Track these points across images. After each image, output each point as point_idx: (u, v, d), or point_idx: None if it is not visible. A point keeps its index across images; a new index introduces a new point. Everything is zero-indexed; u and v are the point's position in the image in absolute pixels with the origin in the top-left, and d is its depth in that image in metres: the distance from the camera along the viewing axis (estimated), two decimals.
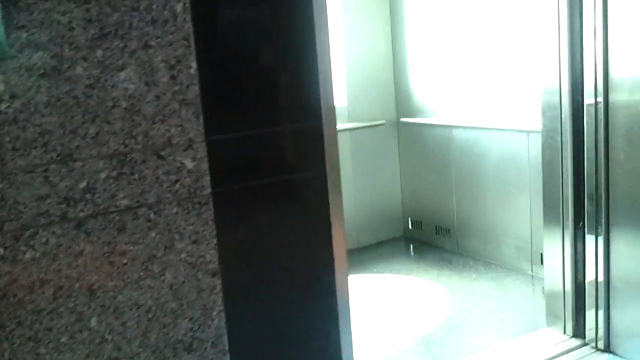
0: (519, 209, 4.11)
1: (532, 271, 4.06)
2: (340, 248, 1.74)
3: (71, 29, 1.30)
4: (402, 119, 4.92)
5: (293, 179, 1.64)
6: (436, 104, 4.62)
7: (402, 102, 4.93)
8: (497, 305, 3.70)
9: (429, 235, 4.90)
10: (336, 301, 1.76)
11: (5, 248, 1.30)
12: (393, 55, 4.92)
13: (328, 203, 1.69)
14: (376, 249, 4.88)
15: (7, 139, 1.27)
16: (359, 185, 4.92)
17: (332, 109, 1.67)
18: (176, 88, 1.42)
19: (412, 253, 4.87)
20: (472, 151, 4.40)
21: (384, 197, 5.05)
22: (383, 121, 4.91)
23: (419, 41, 4.69)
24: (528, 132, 3.91)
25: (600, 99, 2.80)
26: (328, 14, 1.63)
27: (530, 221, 4.02)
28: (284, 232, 1.65)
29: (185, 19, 1.41)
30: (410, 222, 5.07)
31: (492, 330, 3.40)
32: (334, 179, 1.69)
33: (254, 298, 1.64)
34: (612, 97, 2.77)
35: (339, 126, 4.78)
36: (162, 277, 1.46)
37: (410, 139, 4.94)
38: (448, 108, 4.53)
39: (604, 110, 2.80)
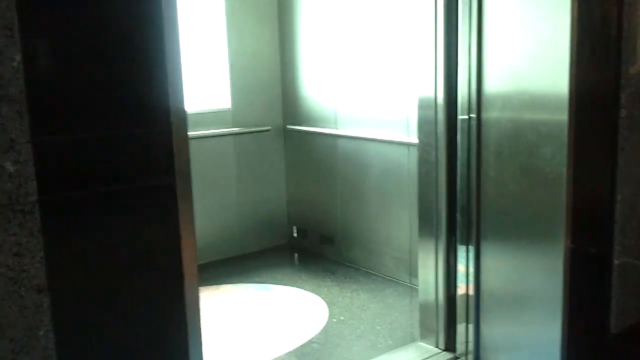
0: (399, 220, 4.15)
1: (410, 282, 4.10)
2: (190, 261, 1.63)
3: None
4: (289, 126, 4.87)
5: (136, 188, 1.52)
6: (323, 112, 4.61)
7: (289, 108, 4.88)
8: (375, 317, 3.70)
9: (313, 244, 4.87)
10: (185, 317, 1.65)
11: None
12: (280, 60, 4.87)
13: (177, 214, 1.58)
14: (260, 257, 4.79)
15: None
16: (243, 192, 4.81)
17: (182, 113, 1.57)
18: None
19: (296, 262, 4.82)
20: (356, 161, 4.41)
21: (269, 204, 4.97)
22: (269, 127, 4.84)
23: (308, 46, 4.66)
24: (409, 144, 3.95)
25: (473, 115, 2.85)
26: (178, 9, 1.52)
27: (409, 232, 4.07)
28: (125, 245, 1.53)
29: (8, 5, 1.27)
30: (295, 230, 5.02)
31: (367, 342, 3.39)
32: (184, 189, 1.59)
33: (89, 317, 1.50)
34: (484, 114, 2.82)
35: (223, 130, 4.68)
36: None
37: (297, 147, 4.89)
38: (335, 116, 4.52)
39: (476, 126, 2.85)
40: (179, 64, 1.52)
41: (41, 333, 1.41)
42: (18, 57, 1.28)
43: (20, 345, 1.39)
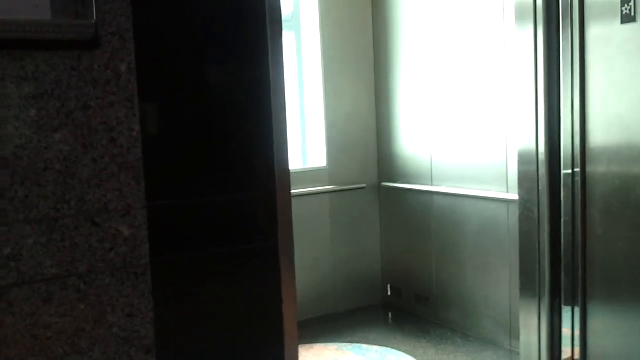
0: (498, 280, 4.02)
1: (510, 345, 3.93)
2: (291, 325, 1.64)
3: (3, 86, 1.24)
4: (384, 183, 4.87)
5: (241, 250, 1.55)
6: (418, 169, 4.58)
7: (384, 165, 4.89)
8: None
9: (408, 303, 4.78)
10: None
11: None
12: (376, 118, 4.91)
13: (279, 276, 1.60)
14: (353, 316, 4.74)
15: None
16: (338, 249, 4.82)
17: (286, 174, 1.60)
18: (115, 151, 1.34)
19: (390, 321, 4.74)
20: (452, 218, 4.33)
21: (363, 262, 4.94)
22: (364, 184, 4.86)
23: (403, 104, 4.69)
24: (508, 201, 3.85)
25: (577, 169, 2.76)
26: (285, 72, 1.57)
27: (509, 292, 3.92)
28: (229, 307, 1.55)
29: (129, 79, 1.35)
30: (389, 289, 4.94)
31: None
32: (286, 251, 1.60)
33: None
34: (590, 168, 2.73)
35: (319, 188, 4.74)
36: (90, 353, 1.35)
37: (391, 204, 4.87)
38: (430, 172, 4.48)
39: (581, 181, 2.75)
40: (284, 126, 1.56)
41: None
42: (137, 127, 1.35)
43: None
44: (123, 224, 1.36)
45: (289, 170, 1.61)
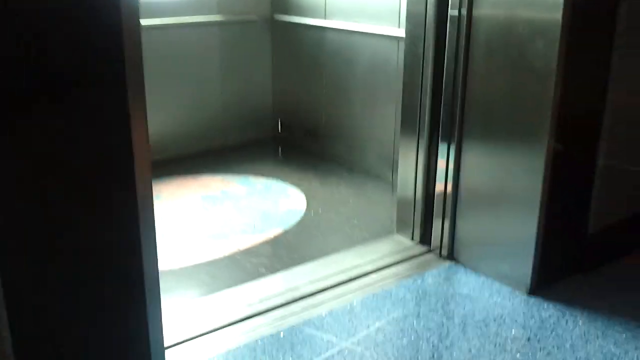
0: (384, 116, 4.07)
1: (393, 179, 4.07)
2: (142, 154, 1.56)
3: None
4: (276, 16, 4.67)
5: (79, 80, 1.42)
6: (312, 1, 4.40)
7: None
8: (353, 211, 3.70)
9: (298, 138, 4.81)
10: (137, 207, 1.59)
11: None
12: None
13: (127, 107, 1.50)
14: (243, 150, 4.73)
15: None
16: (228, 83, 4.69)
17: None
18: None
19: (279, 156, 4.78)
20: (344, 55, 4.26)
21: (254, 97, 4.86)
22: (255, 17, 4.64)
23: None
24: (399, 38, 3.80)
25: (464, 11, 2.73)
26: None
27: (394, 129, 3.99)
28: (71, 137, 1.45)
29: None
30: (280, 125, 4.93)
31: (343, 235, 3.39)
32: (134, 80, 1.49)
33: (29, 205, 1.45)
34: (476, 11, 2.71)
35: (206, 18, 4.48)
36: None
37: (284, 38, 4.72)
38: (324, 6, 4.32)
39: (466, 22, 2.74)
40: None
41: None
42: None
43: None
44: None
45: None
